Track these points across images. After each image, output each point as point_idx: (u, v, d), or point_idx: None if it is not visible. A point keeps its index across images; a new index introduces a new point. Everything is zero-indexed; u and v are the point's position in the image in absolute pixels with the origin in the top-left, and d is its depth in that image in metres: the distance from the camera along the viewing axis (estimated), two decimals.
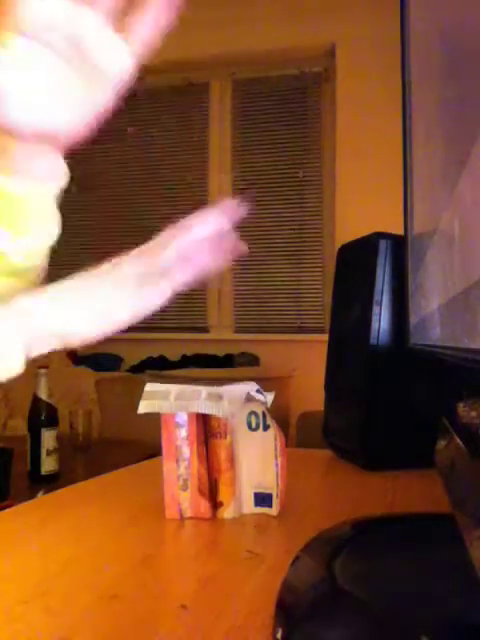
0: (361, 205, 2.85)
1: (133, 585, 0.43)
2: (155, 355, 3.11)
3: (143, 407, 0.58)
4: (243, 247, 0.57)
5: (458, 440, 0.34)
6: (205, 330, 3.27)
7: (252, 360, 2.97)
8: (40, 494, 0.91)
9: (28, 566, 0.47)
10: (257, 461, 0.59)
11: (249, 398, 0.57)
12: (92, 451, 2.05)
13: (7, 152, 0.50)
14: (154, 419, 0.60)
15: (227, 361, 2.95)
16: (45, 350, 0.48)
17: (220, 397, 0.57)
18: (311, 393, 1.41)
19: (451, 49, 0.41)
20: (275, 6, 3.01)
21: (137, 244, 0.54)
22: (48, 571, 0.46)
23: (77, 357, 3.14)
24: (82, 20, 0.46)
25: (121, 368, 3.14)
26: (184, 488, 0.58)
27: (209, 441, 0.59)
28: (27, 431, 1.72)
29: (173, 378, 2.49)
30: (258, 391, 0.58)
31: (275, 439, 0.58)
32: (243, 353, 3.00)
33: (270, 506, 0.58)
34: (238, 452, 0.59)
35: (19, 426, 2.25)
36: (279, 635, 0.33)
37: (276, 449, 0.58)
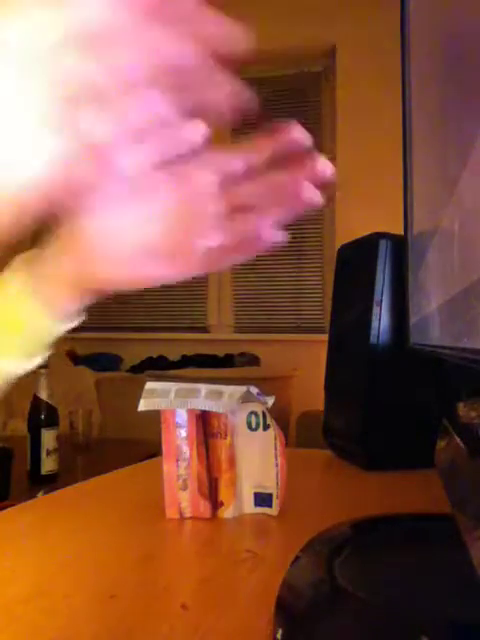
0: (361, 205, 2.85)
1: (133, 585, 0.43)
2: (155, 355, 3.11)
3: (143, 405, 0.58)
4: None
5: (458, 440, 0.34)
6: (205, 330, 3.26)
7: (252, 360, 2.97)
8: (40, 494, 0.91)
9: (28, 566, 0.47)
10: (257, 461, 0.59)
11: (249, 396, 0.57)
12: (92, 451, 2.04)
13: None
14: (154, 419, 0.60)
15: (227, 361, 2.95)
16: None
17: (220, 394, 0.57)
18: (311, 393, 1.41)
19: (451, 49, 0.41)
20: (275, 6, 3.01)
21: None
22: (48, 571, 0.46)
23: (77, 357, 3.14)
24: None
25: (121, 368, 3.14)
26: (184, 488, 0.58)
27: (209, 441, 0.59)
28: (27, 431, 1.72)
29: (173, 378, 2.48)
30: (259, 394, 0.58)
31: (275, 439, 0.58)
32: (243, 353, 3.00)
33: (270, 506, 0.58)
34: (238, 452, 0.59)
35: (19, 426, 2.25)
36: (279, 635, 0.33)
37: (276, 449, 0.58)
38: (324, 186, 0.39)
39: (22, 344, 0.45)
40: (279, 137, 0.39)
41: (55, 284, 0.42)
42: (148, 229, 0.40)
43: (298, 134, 0.39)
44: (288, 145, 0.39)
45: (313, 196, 0.39)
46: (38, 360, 0.46)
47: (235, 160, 0.39)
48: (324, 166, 0.39)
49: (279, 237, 0.42)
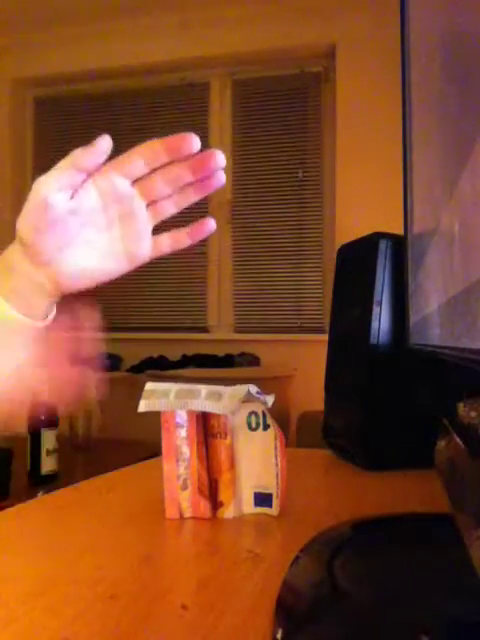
0: (361, 205, 2.85)
1: (133, 585, 0.43)
2: (155, 355, 3.11)
3: (143, 406, 0.58)
4: None
5: (458, 440, 0.34)
6: (205, 330, 3.26)
7: (252, 360, 2.96)
8: (40, 494, 0.91)
9: (28, 566, 0.47)
10: (257, 461, 0.59)
11: (249, 397, 0.57)
12: (92, 451, 2.05)
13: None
14: (154, 419, 0.60)
15: (227, 361, 2.95)
16: None
17: (220, 395, 0.57)
18: (311, 393, 1.41)
19: (451, 49, 0.41)
20: (275, 6, 3.01)
21: None
22: (48, 571, 0.46)
23: None
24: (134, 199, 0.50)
25: (121, 368, 3.14)
26: (184, 488, 0.58)
27: (209, 441, 0.59)
28: (27, 431, 1.72)
29: (173, 378, 2.48)
30: (258, 393, 0.58)
31: (275, 439, 0.58)
32: (243, 353, 2.99)
33: (270, 506, 0.58)
34: (238, 452, 0.59)
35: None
36: (279, 635, 0.33)
37: (276, 449, 0.58)
38: (216, 170, 0.50)
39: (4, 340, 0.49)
40: (170, 143, 0.50)
41: (31, 285, 0.50)
42: (107, 238, 0.51)
43: (187, 141, 0.49)
44: (180, 150, 0.49)
45: (216, 179, 0.50)
46: (21, 357, 0.51)
47: (137, 165, 0.50)
48: (214, 154, 0.49)
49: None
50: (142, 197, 0.51)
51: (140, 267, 0.54)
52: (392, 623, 0.31)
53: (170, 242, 0.53)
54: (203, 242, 3.26)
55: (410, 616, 0.31)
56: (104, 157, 0.48)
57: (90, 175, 0.49)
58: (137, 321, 3.28)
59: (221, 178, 0.51)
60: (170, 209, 0.52)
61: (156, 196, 0.51)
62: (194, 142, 0.48)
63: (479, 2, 0.30)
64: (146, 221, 0.52)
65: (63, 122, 3.49)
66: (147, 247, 0.53)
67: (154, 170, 0.50)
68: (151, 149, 0.50)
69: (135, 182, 0.50)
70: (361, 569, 0.39)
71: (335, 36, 3.00)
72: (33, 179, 0.48)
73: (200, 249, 3.28)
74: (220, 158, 0.49)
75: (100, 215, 0.51)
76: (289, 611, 0.35)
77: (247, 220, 3.23)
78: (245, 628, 0.36)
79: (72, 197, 0.48)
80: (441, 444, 0.38)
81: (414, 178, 0.56)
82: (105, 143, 0.47)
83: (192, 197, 0.52)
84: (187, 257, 3.27)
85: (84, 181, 0.49)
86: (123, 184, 0.50)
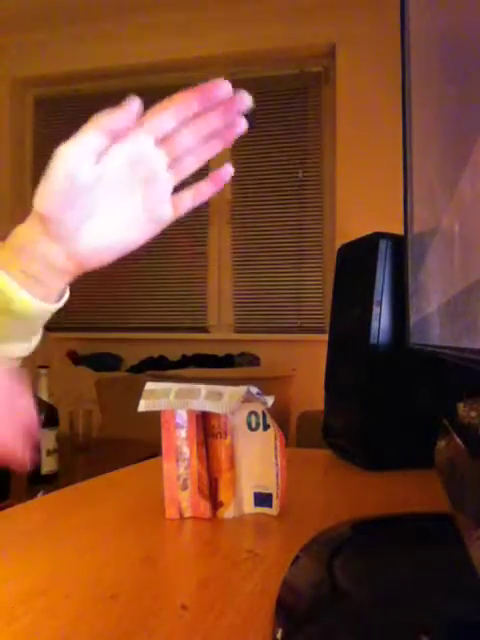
0: (361, 205, 2.85)
1: (133, 585, 0.43)
2: (155, 355, 3.11)
3: (143, 406, 0.58)
4: None
5: (458, 440, 0.34)
6: (205, 330, 3.26)
7: (252, 360, 2.96)
8: (40, 494, 0.91)
9: (28, 566, 0.47)
10: (257, 461, 0.59)
11: (249, 397, 0.57)
12: (92, 451, 2.04)
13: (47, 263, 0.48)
14: (154, 419, 0.60)
15: (227, 361, 2.95)
16: None
17: (220, 395, 0.57)
18: (311, 393, 1.41)
19: (451, 49, 0.41)
20: (275, 6, 3.01)
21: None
22: (48, 571, 0.46)
23: (77, 357, 3.14)
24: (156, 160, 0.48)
25: (121, 368, 3.14)
26: (184, 488, 0.58)
27: (209, 441, 0.59)
28: None
29: (173, 378, 2.48)
30: (258, 394, 0.58)
31: (275, 439, 0.58)
32: (243, 353, 2.99)
33: (270, 506, 0.58)
34: (238, 452, 0.59)
35: None
36: (279, 635, 0.33)
37: (276, 449, 0.58)
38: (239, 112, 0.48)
39: (17, 325, 0.48)
40: (203, 90, 0.48)
41: (45, 266, 0.48)
42: (126, 207, 0.49)
43: (221, 89, 0.47)
44: (213, 96, 0.48)
45: (238, 125, 0.49)
46: (35, 342, 0.50)
47: (166, 120, 0.48)
48: (242, 95, 0.48)
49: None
50: (166, 155, 0.49)
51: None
52: (392, 623, 0.31)
53: (191, 197, 0.51)
54: (203, 242, 3.26)
55: (410, 616, 0.31)
56: (133, 119, 0.46)
57: (116, 138, 0.46)
58: (137, 321, 3.28)
59: (242, 125, 0.49)
60: (192, 165, 0.50)
61: (180, 150, 0.49)
62: (226, 85, 0.47)
63: (479, 2, 0.30)
64: (168, 182, 0.50)
65: (63, 122, 3.49)
66: (168, 210, 0.50)
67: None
68: (183, 99, 0.48)
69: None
70: (361, 569, 0.39)
71: (335, 36, 3.00)
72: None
73: (200, 249, 3.28)
74: (247, 98, 0.48)
75: (124, 181, 0.48)
76: (289, 611, 0.35)
77: (247, 220, 3.23)
78: (245, 628, 0.36)
79: (97, 162, 0.46)
80: (441, 444, 0.38)
81: (414, 178, 0.56)
82: (135, 105, 0.46)
83: (216, 147, 0.50)
84: (187, 257, 3.27)
85: (109, 145, 0.46)
86: (149, 144, 0.48)
